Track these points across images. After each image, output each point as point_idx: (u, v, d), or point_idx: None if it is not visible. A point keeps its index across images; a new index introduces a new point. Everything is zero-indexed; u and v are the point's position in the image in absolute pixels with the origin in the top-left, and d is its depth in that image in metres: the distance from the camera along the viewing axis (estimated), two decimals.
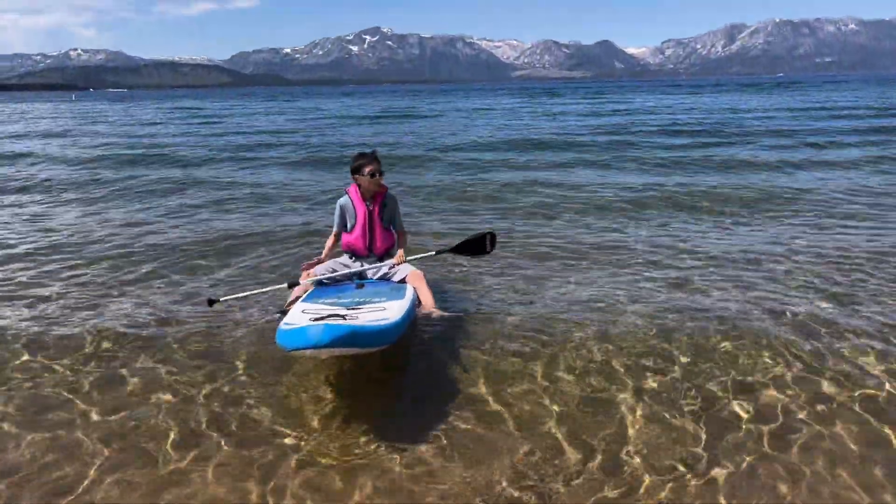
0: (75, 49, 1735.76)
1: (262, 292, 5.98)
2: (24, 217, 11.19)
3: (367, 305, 4.69)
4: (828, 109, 35.10)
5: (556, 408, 4.01)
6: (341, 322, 3.97)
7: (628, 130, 25.72)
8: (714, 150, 18.62)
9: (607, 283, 6.49)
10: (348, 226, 5.73)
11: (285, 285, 5.67)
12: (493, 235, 6.16)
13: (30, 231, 9.78)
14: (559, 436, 3.73)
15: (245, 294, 5.98)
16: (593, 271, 6.94)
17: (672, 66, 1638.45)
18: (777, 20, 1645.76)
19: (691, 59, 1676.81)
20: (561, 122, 31.90)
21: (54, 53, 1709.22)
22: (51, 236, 9.21)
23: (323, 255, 5.80)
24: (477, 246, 6.13)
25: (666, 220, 9.52)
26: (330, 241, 5.89)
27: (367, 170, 5.54)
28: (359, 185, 5.65)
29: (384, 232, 5.75)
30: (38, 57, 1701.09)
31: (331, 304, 4.73)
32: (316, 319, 4.10)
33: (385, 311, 4.50)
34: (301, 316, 4.35)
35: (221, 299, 5.68)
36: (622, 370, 4.49)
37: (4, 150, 23.76)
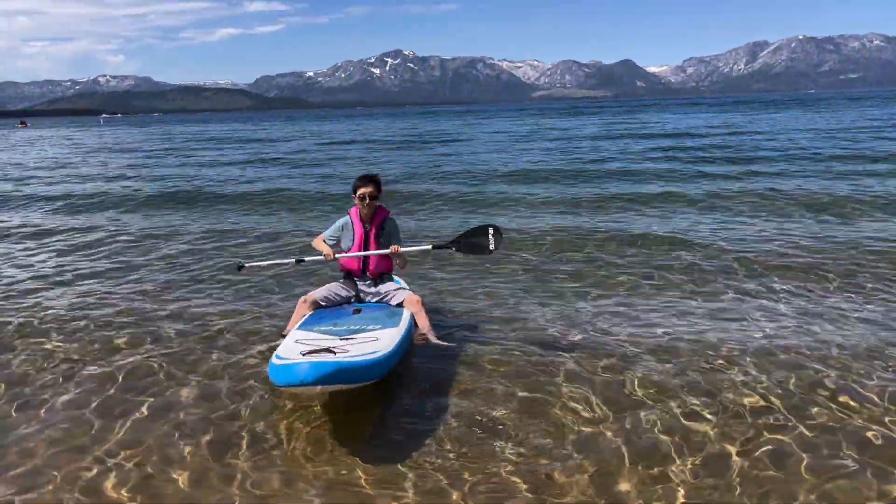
0: (104, 75, 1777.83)
1: (275, 264, 6.90)
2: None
3: (361, 334, 4.72)
4: None
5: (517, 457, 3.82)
6: (329, 358, 4.05)
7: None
8: None
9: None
10: (345, 246, 5.79)
11: (293, 261, 6.38)
12: (497, 230, 5.63)
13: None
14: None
15: (266, 263, 6.75)
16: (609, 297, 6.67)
17: (694, 84, 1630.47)
18: (800, 37, 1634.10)
19: (713, 76, 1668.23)
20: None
21: (83, 80, 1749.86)
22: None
23: (316, 243, 5.97)
24: (479, 242, 5.65)
25: None
26: (316, 241, 6.00)
27: (359, 192, 5.63)
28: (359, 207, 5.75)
29: (379, 255, 5.73)
30: (68, 83, 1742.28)
31: (325, 332, 4.78)
32: (306, 353, 4.18)
33: (377, 343, 4.52)
34: (293, 348, 4.41)
35: (247, 265, 6.51)
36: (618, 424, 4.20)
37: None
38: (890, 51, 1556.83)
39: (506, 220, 10.76)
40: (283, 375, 3.93)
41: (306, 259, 6.07)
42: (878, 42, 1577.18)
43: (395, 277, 6.19)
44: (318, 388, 3.97)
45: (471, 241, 5.70)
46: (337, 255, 5.66)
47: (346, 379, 4.00)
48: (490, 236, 5.60)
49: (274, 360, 4.21)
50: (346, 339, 4.61)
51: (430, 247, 6.03)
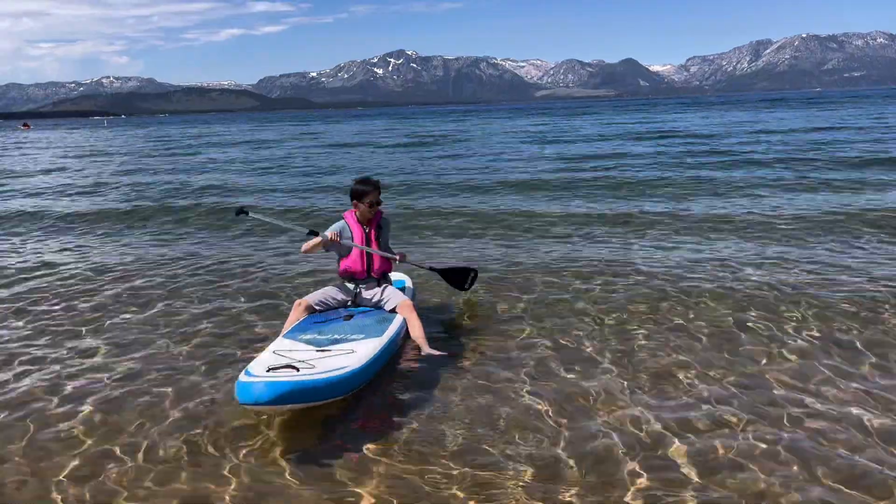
0: (108, 77, 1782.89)
1: (285, 227, 6.54)
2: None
3: (340, 345, 4.72)
4: None
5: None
6: (287, 378, 3.96)
7: None
8: None
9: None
10: (345, 250, 5.80)
11: (306, 231, 5.87)
12: (475, 275, 6.70)
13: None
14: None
15: (270, 220, 6.64)
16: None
17: (697, 83, 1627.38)
18: (804, 35, 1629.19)
19: (717, 75, 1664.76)
20: None
21: (87, 81, 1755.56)
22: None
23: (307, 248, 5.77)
24: (459, 278, 6.64)
25: None
26: (307, 245, 5.78)
27: (368, 199, 5.68)
28: (357, 210, 5.79)
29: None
30: (72, 84, 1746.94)
31: (307, 342, 4.79)
32: (270, 370, 4.12)
33: (350, 356, 4.49)
34: (263, 362, 4.35)
35: (251, 214, 6.19)
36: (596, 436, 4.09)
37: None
38: (893, 49, 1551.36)
39: (518, 243, 9.99)
40: (241, 394, 3.89)
41: (319, 234, 5.70)
42: (881, 40, 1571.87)
43: (400, 277, 6.45)
44: (277, 409, 3.95)
45: (454, 276, 6.66)
46: (342, 241, 5.64)
47: (306, 398, 3.94)
48: (469, 279, 6.64)
49: (241, 375, 4.14)
50: (323, 350, 4.59)
51: (426, 267, 6.69)
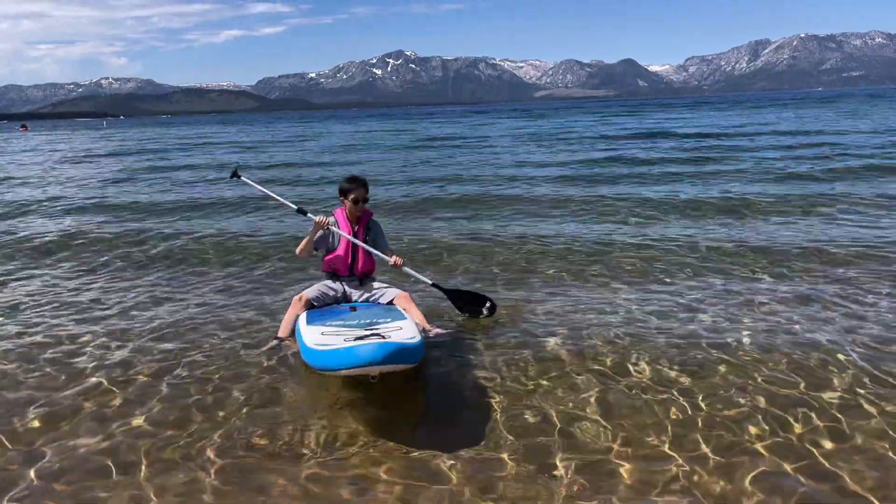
0: (107, 78, 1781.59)
1: (276, 198, 6.39)
2: None
3: (382, 325, 4.67)
4: None
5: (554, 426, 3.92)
6: (393, 339, 4.06)
7: None
8: None
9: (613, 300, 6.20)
10: (333, 246, 5.83)
11: (295, 208, 6.00)
12: (493, 306, 6.06)
13: None
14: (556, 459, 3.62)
15: (262, 189, 6.46)
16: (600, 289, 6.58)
17: (696, 83, 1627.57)
18: (802, 35, 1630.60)
19: (715, 75, 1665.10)
20: None
21: (86, 82, 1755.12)
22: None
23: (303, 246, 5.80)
24: (473, 306, 6.07)
25: None
26: (301, 245, 5.81)
27: (352, 196, 5.72)
28: (345, 208, 5.85)
29: (366, 254, 5.84)
30: (71, 86, 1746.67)
31: (341, 326, 4.74)
32: (357, 339, 4.14)
33: (404, 331, 4.50)
34: (332, 338, 4.35)
35: (243, 178, 6.40)
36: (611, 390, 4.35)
37: None
38: (892, 48, 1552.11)
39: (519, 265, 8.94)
40: (343, 359, 3.97)
41: (307, 214, 5.95)
42: (879, 40, 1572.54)
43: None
44: (379, 369, 3.98)
45: (467, 302, 6.11)
46: (330, 226, 5.65)
47: (403, 360, 4.00)
48: (485, 308, 6.03)
49: (316, 347, 4.24)
50: (370, 329, 4.54)
51: (430, 282, 6.19)
